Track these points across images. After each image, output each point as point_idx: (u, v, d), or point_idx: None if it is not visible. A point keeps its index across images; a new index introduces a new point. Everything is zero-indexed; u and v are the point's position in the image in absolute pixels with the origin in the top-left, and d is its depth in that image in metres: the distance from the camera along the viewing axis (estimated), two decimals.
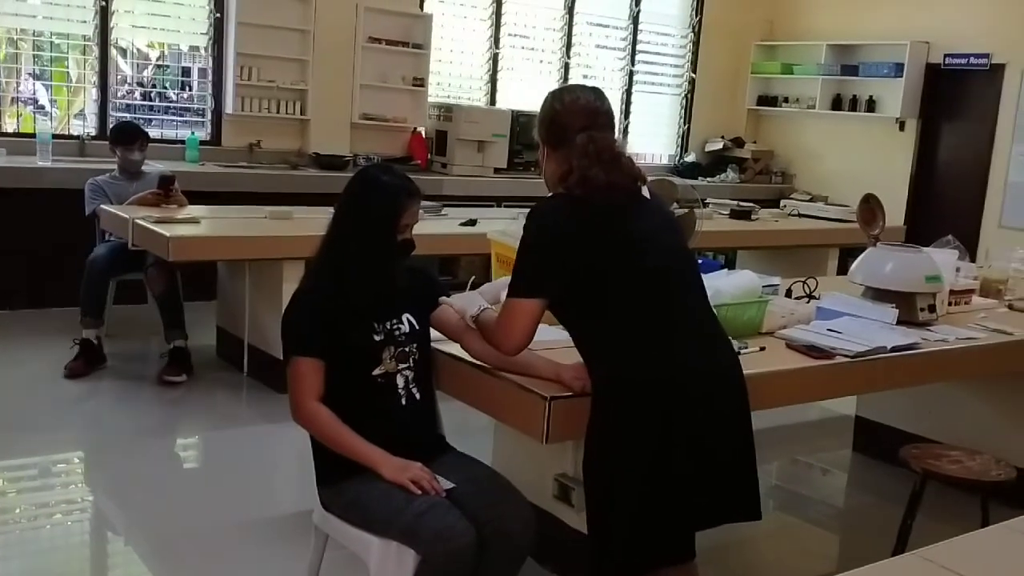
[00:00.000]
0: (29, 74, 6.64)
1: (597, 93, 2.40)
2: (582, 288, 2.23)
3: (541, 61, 8.62)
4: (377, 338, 2.49)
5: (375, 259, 2.51)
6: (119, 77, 6.83)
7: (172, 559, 3.22)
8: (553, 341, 2.55)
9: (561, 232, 2.22)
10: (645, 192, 2.36)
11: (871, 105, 8.86)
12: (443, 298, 2.66)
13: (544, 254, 2.24)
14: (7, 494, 3.84)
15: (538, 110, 2.42)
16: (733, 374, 2.31)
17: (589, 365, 2.29)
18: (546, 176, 2.42)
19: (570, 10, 8.62)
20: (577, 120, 2.31)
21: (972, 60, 8.19)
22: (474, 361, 2.54)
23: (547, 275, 2.24)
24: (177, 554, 3.24)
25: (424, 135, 7.79)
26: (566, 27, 8.64)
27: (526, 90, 8.39)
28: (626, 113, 9.13)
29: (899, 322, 3.24)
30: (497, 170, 7.71)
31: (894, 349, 3.00)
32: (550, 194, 2.35)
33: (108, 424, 4.47)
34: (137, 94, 7.08)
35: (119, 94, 6.81)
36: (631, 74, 9.14)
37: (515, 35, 8.40)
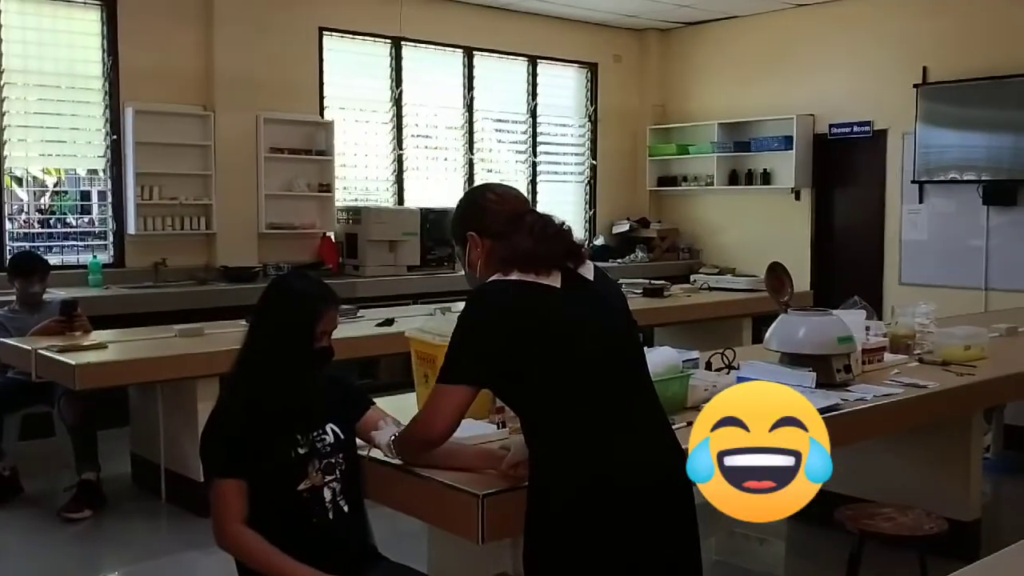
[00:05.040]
0: None
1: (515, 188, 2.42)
2: (517, 375, 2.13)
3: (445, 159, 8.74)
4: (301, 451, 2.41)
5: (293, 370, 2.45)
6: (15, 206, 6.66)
7: None
8: (480, 436, 2.51)
9: (495, 317, 2.13)
10: (589, 274, 2.28)
11: (766, 178, 9.18)
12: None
13: (475, 339, 2.14)
14: None
15: (450, 205, 2.40)
16: (676, 469, 2.13)
17: (530, 452, 2.18)
18: (479, 267, 2.28)
19: (469, 108, 8.79)
20: (513, 206, 2.29)
21: (856, 128, 8.60)
22: (401, 465, 2.45)
23: (477, 360, 2.12)
24: None
25: (334, 239, 7.78)
26: (467, 125, 8.80)
27: (432, 188, 8.50)
28: (532, 203, 9.24)
29: (818, 385, 3.29)
30: (410, 268, 7.71)
31: None
32: (489, 279, 2.21)
33: (20, 568, 4.20)
34: (35, 222, 6.91)
35: (16, 223, 6.64)
36: (534, 165, 9.32)
37: (417, 136, 8.51)
